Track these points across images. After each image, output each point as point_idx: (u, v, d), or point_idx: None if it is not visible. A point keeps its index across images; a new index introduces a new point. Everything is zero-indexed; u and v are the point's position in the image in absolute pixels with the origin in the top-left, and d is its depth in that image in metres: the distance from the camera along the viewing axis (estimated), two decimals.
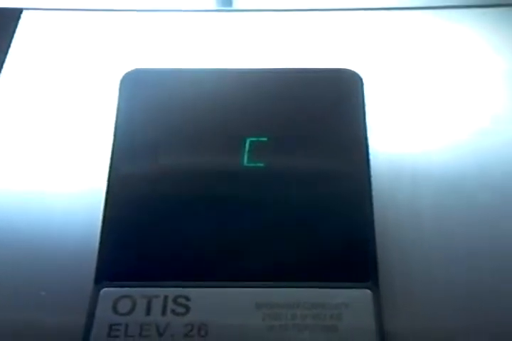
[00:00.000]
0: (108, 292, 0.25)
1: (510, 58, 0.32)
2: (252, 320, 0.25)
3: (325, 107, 0.30)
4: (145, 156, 0.29)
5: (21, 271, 0.26)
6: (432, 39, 0.33)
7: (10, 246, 0.27)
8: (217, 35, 0.33)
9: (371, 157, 0.29)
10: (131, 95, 0.31)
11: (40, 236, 0.27)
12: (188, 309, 0.25)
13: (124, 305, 0.25)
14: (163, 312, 0.25)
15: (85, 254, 0.26)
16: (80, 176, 0.29)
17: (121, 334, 0.24)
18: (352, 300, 0.25)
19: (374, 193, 0.28)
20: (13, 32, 0.33)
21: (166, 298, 0.25)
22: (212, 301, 0.25)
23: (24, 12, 0.34)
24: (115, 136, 0.30)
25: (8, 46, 0.33)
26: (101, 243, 0.26)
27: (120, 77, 0.31)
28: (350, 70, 0.32)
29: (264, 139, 0.29)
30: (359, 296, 0.25)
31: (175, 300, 0.25)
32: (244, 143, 0.29)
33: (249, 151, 0.29)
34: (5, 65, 0.32)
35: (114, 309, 0.25)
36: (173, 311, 0.25)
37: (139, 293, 0.25)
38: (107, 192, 0.28)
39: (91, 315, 0.25)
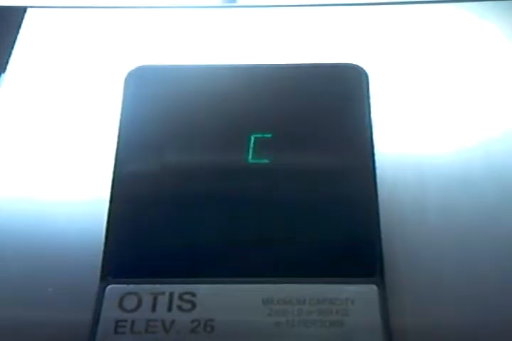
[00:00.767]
0: (114, 289, 0.25)
1: None
2: (259, 316, 0.25)
3: (330, 103, 0.30)
4: (150, 153, 0.29)
5: (29, 267, 0.26)
6: (439, 34, 0.33)
7: (17, 244, 0.27)
8: (222, 32, 0.33)
9: (376, 153, 0.29)
10: (136, 92, 0.31)
11: (46, 233, 0.27)
12: (194, 305, 0.25)
13: (130, 302, 0.25)
14: (169, 309, 0.25)
15: (91, 251, 0.26)
16: (84, 174, 0.29)
17: (127, 330, 0.24)
18: (358, 296, 0.25)
19: (379, 189, 0.27)
20: (18, 30, 0.33)
21: (171, 294, 0.25)
22: (219, 297, 0.25)
23: (28, 10, 0.34)
24: (120, 133, 0.30)
25: (13, 44, 0.33)
26: (106, 240, 0.26)
27: (125, 74, 0.31)
28: (356, 65, 0.31)
29: (269, 135, 0.29)
30: (365, 292, 0.25)
31: (181, 297, 0.25)
32: (249, 140, 0.29)
33: (254, 148, 0.29)
34: (10, 63, 0.32)
35: (120, 306, 0.25)
36: (179, 307, 0.25)
37: (144, 289, 0.25)
38: (112, 190, 0.28)
39: (97, 311, 0.25)
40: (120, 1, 0.35)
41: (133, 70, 0.32)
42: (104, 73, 0.32)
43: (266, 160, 0.28)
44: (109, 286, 0.25)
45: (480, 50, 0.32)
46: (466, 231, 0.27)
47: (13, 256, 0.26)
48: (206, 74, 0.32)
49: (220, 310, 0.25)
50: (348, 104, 0.30)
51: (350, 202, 0.27)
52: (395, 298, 0.25)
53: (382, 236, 0.26)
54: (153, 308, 0.25)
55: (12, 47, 0.32)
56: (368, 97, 0.30)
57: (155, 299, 0.25)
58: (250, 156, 0.29)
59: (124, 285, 0.25)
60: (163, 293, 0.25)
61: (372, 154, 0.29)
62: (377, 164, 0.28)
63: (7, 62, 0.32)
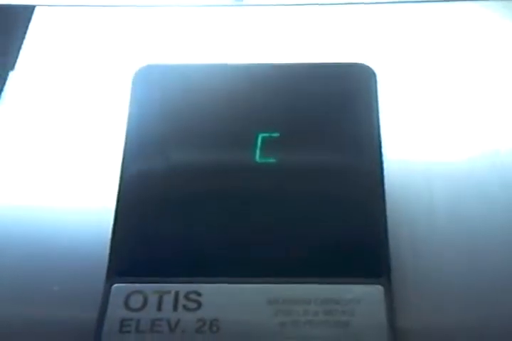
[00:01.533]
0: (119, 288, 0.25)
1: None
2: (264, 316, 0.25)
3: (338, 102, 0.30)
4: (157, 152, 0.29)
5: (35, 267, 0.26)
6: (448, 33, 0.33)
7: (23, 243, 0.27)
8: (230, 30, 0.33)
9: (384, 152, 0.29)
10: (143, 91, 0.31)
11: (53, 232, 0.27)
12: (199, 305, 0.25)
13: (135, 301, 0.25)
14: (175, 308, 0.25)
15: (97, 250, 0.26)
16: (92, 174, 0.29)
17: (132, 329, 0.24)
18: (364, 296, 0.25)
19: (386, 189, 0.27)
20: (26, 29, 0.33)
21: (177, 293, 0.25)
22: (224, 297, 0.25)
23: (37, 9, 0.34)
24: (128, 131, 0.30)
25: (22, 43, 0.33)
26: (112, 239, 0.26)
27: (132, 73, 0.31)
28: (364, 65, 0.31)
29: (277, 135, 0.29)
30: (371, 292, 0.25)
31: (186, 296, 0.25)
32: (257, 139, 0.29)
33: (261, 147, 0.29)
34: (18, 62, 0.32)
35: (126, 305, 0.25)
36: (184, 307, 0.25)
37: (150, 288, 0.25)
38: (120, 189, 0.28)
39: (103, 310, 0.25)
40: (128, 1, 0.35)
41: (140, 69, 0.32)
42: (111, 72, 0.32)
43: (273, 160, 0.28)
44: (115, 285, 0.25)
45: (491, 50, 0.32)
46: (473, 232, 0.26)
47: (19, 255, 0.26)
48: (214, 73, 0.32)
49: (226, 309, 0.25)
50: (355, 103, 0.30)
51: (358, 202, 0.27)
52: (401, 299, 0.25)
53: (389, 236, 0.26)
54: (159, 307, 0.25)
55: (20, 46, 0.32)
56: (376, 97, 0.30)
57: (160, 298, 0.25)
58: (258, 155, 0.29)
59: (130, 285, 0.25)
60: (168, 292, 0.25)
61: (380, 154, 0.29)
62: (385, 164, 0.28)
63: (15, 61, 0.32)
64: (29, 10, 0.34)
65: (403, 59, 0.32)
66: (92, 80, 0.32)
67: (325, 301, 0.25)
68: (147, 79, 0.31)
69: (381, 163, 0.28)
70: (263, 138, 0.29)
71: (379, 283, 0.25)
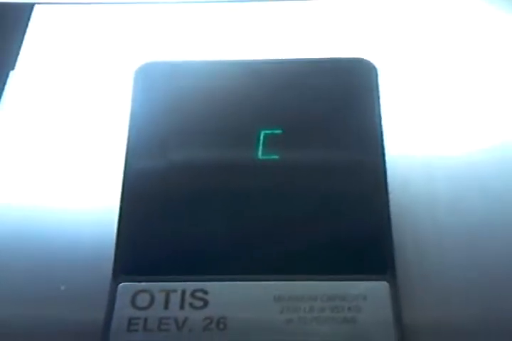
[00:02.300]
0: (126, 286, 0.25)
1: None
2: (271, 313, 0.25)
3: (339, 97, 0.30)
4: (160, 150, 0.29)
5: (41, 266, 0.26)
6: (449, 27, 0.33)
7: (30, 242, 0.27)
8: (230, 26, 0.33)
9: (386, 148, 0.29)
10: (144, 88, 0.31)
11: (59, 231, 0.27)
12: (206, 303, 0.25)
13: (142, 300, 0.25)
14: (182, 306, 0.25)
15: (103, 249, 0.26)
16: (95, 172, 0.29)
17: (140, 328, 0.25)
18: (370, 293, 0.25)
19: (390, 185, 0.27)
20: (26, 27, 0.33)
21: (183, 291, 0.25)
22: (231, 295, 0.25)
23: (36, 7, 0.34)
24: (130, 129, 0.30)
25: (22, 41, 0.33)
26: (118, 238, 0.26)
27: (133, 71, 0.31)
28: (365, 60, 0.31)
29: (279, 131, 0.29)
30: (377, 288, 0.25)
31: (193, 294, 0.25)
32: (259, 136, 0.29)
33: (263, 144, 0.29)
34: (19, 61, 0.32)
35: (133, 303, 0.25)
36: (191, 305, 0.25)
37: (156, 287, 0.25)
38: (123, 187, 0.28)
39: (110, 309, 0.25)
40: None
41: (141, 66, 0.31)
42: (112, 69, 0.32)
43: (276, 157, 0.28)
44: (122, 284, 0.25)
45: (492, 45, 0.32)
46: (478, 228, 0.27)
47: (25, 254, 0.27)
48: (215, 70, 0.31)
49: (232, 307, 0.25)
50: (357, 98, 0.30)
51: (361, 199, 0.27)
52: (406, 295, 0.25)
53: (394, 232, 0.26)
54: (166, 306, 0.25)
55: (20, 45, 0.32)
56: (378, 92, 0.30)
57: (167, 296, 0.25)
58: (260, 152, 0.29)
59: (136, 283, 0.25)
60: (175, 291, 0.25)
61: (383, 149, 0.29)
62: (388, 160, 0.28)
63: (16, 60, 0.32)
64: (28, 8, 0.34)
65: (404, 53, 0.32)
66: (94, 78, 0.31)
67: (331, 298, 0.25)
68: (148, 77, 0.31)
69: (383, 158, 0.28)
70: (265, 135, 0.29)
71: (384, 279, 0.25)
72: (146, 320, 0.25)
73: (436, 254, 0.26)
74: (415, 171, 0.28)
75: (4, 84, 0.31)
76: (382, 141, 0.29)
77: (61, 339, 0.25)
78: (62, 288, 0.26)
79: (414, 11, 0.33)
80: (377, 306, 0.25)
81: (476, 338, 0.24)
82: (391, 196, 0.27)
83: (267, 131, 0.29)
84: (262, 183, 0.28)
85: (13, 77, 0.31)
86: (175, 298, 0.25)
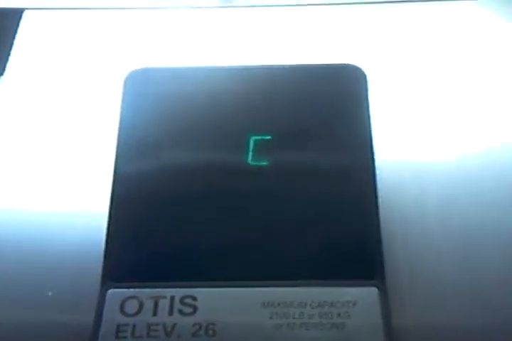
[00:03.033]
0: (115, 293, 0.25)
1: None
2: (260, 319, 0.25)
3: (329, 104, 0.30)
4: (149, 156, 0.29)
5: (29, 272, 0.26)
6: (439, 33, 0.33)
7: (17, 248, 0.27)
8: (220, 32, 0.33)
9: (376, 154, 0.29)
10: (135, 94, 0.31)
11: (47, 237, 0.27)
12: (195, 309, 0.25)
13: (131, 306, 0.25)
14: (171, 313, 0.25)
15: (92, 255, 0.26)
16: (84, 178, 0.29)
17: (128, 335, 0.24)
18: (359, 299, 0.25)
19: (379, 190, 0.27)
20: (15, 32, 0.33)
21: (172, 298, 0.25)
22: (220, 301, 0.25)
23: (26, 12, 0.34)
24: (119, 135, 0.30)
25: (11, 46, 0.32)
26: (107, 244, 0.26)
27: (123, 77, 0.31)
28: (354, 66, 0.31)
29: (269, 137, 0.29)
30: (366, 294, 0.25)
31: (182, 301, 0.25)
32: (249, 142, 0.29)
33: (253, 150, 0.29)
34: (8, 66, 0.32)
35: (122, 310, 0.25)
36: (180, 311, 0.25)
37: (145, 293, 0.25)
38: (113, 193, 0.28)
39: (98, 316, 0.25)
40: (118, 3, 0.35)
41: (132, 72, 0.31)
42: (102, 75, 0.32)
43: (266, 163, 0.28)
44: (110, 290, 0.25)
45: (481, 50, 0.32)
46: (468, 232, 0.27)
47: (14, 260, 0.26)
48: (205, 76, 0.32)
49: (221, 313, 0.25)
50: (346, 104, 0.30)
51: (351, 204, 0.27)
52: (396, 301, 0.25)
53: (383, 237, 0.26)
54: (155, 312, 0.25)
55: (10, 50, 0.32)
56: (367, 98, 0.30)
57: (156, 303, 0.25)
58: (250, 158, 0.29)
59: (125, 290, 0.25)
60: (164, 297, 0.25)
61: (372, 155, 0.29)
62: (377, 165, 0.28)
63: (5, 66, 0.32)
64: (18, 13, 0.34)
65: (394, 60, 0.32)
66: (84, 84, 0.31)
67: (320, 304, 0.25)
68: (139, 83, 0.31)
69: (373, 163, 0.28)
70: (255, 141, 0.29)
71: (374, 285, 0.25)
72: (134, 326, 0.25)
73: (426, 259, 0.26)
74: (405, 176, 0.28)
75: None
76: (371, 146, 0.29)
77: None
78: (49, 294, 0.25)
79: (403, 18, 0.34)
80: (367, 312, 0.25)
81: None
82: (381, 201, 0.27)
83: (257, 137, 0.29)
84: (251, 189, 0.28)
85: (2, 83, 0.31)
86: (164, 305, 0.25)
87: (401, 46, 0.33)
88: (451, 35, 0.33)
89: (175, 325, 0.25)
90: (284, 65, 0.32)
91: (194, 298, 0.25)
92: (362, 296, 0.25)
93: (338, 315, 0.25)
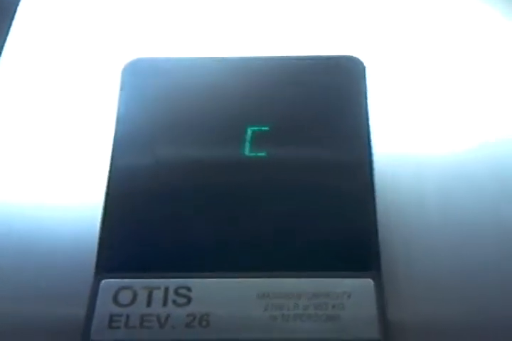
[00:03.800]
0: (108, 283, 0.25)
1: None
2: (254, 310, 0.25)
3: (327, 95, 0.30)
4: (145, 147, 0.29)
5: (22, 262, 0.26)
6: (438, 25, 0.33)
7: (10, 239, 0.27)
8: (218, 22, 0.33)
9: (374, 146, 0.28)
10: (133, 84, 0.31)
11: (40, 227, 0.27)
12: (189, 300, 0.25)
13: (124, 297, 0.25)
14: (165, 303, 0.25)
15: (86, 245, 0.26)
16: (79, 169, 0.28)
17: (121, 325, 0.24)
18: (354, 290, 0.25)
19: (376, 182, 0.27)
20: (12, 19, 0.33)
21: (167, 288, 0.25)
22: (214, 292, 0.25)
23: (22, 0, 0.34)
24: (117, 126, 0.29)
25: (7, 34, 0.32)
26: (101, 234, 0.26)
27: (121, 67, 0.31)
28: (353, 57, 0.31)
29: (266, 128, 0.29)
30: (361, 286, 0.25)
31: (176, 291, 0.25)
32: (246, 133, 0.29)
33: (251, 141, 0.28)
34: (3, 53, 0.32)
35: (115, 300, 0.25)
36: (174, 302, 0.25)
37: (139, 284, 0.25)
38: (108, 184, 0.27)
39: (91, 306, 0.25)
40: None
41: (130, 62, 0.31)
42: (100, 65, 0.32)
43: (263, 154, 0.28)
44: (104, 281, 0.25)
45: (482, 43, 0.32)
46: (464, 225, 0.26)
47: (6, 251, 0.26)
48: (203, 67, 0.31)
49: (216, 304, 0.25)
50: (345, 96, 0.30)
51: (347, 196, 0.27)
52: (391, 292, 0.25)
53: (381, 230, 0.26)
54: (148, 303, 0.25)
55: (5, 38, 0.32)
56: (366, 89, 0.30)
57: (150, 293, 0.25)
58: (247, 150, 0.28)
59: (119, 280, 0.25)
60: (158, 288, 0.25)
61: (370, 147, 0.28)
62: (375, 158, 0.28)
63: (0, 53, 0.32)
64: (14, 0, 0.33)
65: (393, 51, 0.32)
66: (81, 73, 0.31)
67: (315, 295, 0.25)
68: (137, 73, 0.31)
69: (371, 156, 0.28)
70: (253, 132, 0.29)
71: (369, 277, 0.25)
72: (128, 316, 0.24)
73: (422, 251, 0.26)
74: (403, 169, 0.28)
75: None
76: (369, 138, 0.29)
77: (41, 336, 0.25)
78: (43, 284, 0.25)
79: (403, 9, 0.33)
80: (362, 303, 0.24)
81: (461, 335, 0.24)
82: (378, 193, 0.27)
83: (255, 128, 0.29)
84: (249, 180, 0.28)
85: None
86: (158, 295, 0.25)
87: (401, 38, 0.32)
88: (453, 28, 0.33)
89: (169, 315, 0.24)
90: (283, 56, 0.31)
91: (188, 289, 0.25)
92: (357, 288, 0.25)
93: (333, 306, 0.24)
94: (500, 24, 0.33)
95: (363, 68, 0.31)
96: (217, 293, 0.25)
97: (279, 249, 0.26)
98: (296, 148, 0.29)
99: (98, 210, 0.27)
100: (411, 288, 0.25)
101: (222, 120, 0.29)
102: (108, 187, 0.27)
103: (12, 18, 0.33)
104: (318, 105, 0.30)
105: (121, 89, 0.30)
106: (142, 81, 0.31)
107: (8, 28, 0.32)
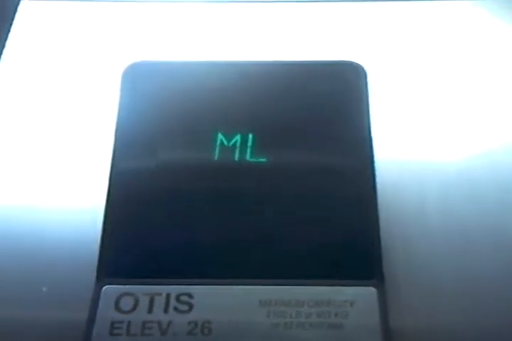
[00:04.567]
0: (110, 289, 0.25)
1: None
2: (256, 318, 0.24)
3: (328, 101, 0.30)
4: (146, 152, 0.28)
5: (24, 268, 0.26)
6: (439, 31, 0.33)
7: (12, 244, 0.26)
8: (219, 27, 0.33)
9: (375, 152, 0.28)
10: (133, 88, 0.31)
11: (42, 233, 0.27)
12: (191, 307, 0.25)
13: (126, 303, 0.25)
14: (166, 310, 0.25)
15: (88, 251, 0.26)
16: (80, 173, 0.28)
17: (123, 332, 0.24)
18: (357, 298, 0.25)
19: (378, 189, 0.27)
20: (11, 23, 0.32)
21: (168, 295, 0.25)
22: (216, 299, 0.25)
23: (22, 3, 0.33)
24: (117, 129, 0.29)
25: (6, 37, 0.32)
26: (103, 240, 0.26)
27: (121, 70, 0.31)
28: (354, 63, 0.31)
29: (267, 134, 0.29)
30: (364, 294, 0.25)
31: (178, 298, 0.25)
32: (247, 138, 0.29)
33: (252, 146, 0.28)
34: (3, 57, 0.31)
35: (117, 306, 0.25)
36: (175, 309, 0.25)
37: (141, 290, 0.25)
38: (109, 189, 0.27)
39: (93, 312, 0.24)
40: None
41: (130, 66, 0.31)
42: (100, 68, 0.31)
43: (264, 159, 0.28)
44: (106, 287, 0.25)
45: (481, 48, 0.32)
46: (466, 234, 0.26)
47: (8, 255, 0.26)
48: (203, 71, 0.31)
49: (218, 311, 0.25)
50: (346, 101, 0.30)
51: (350, 204, 0.27)
52: (394, 300, 0.25)
53: (383, 237, 0.26)
54: (150, 309, 0.25)
55: (5, 41, 0.32)
56: (367, 95, 0.30)
57: (151, 300, 0.25)
58: (248, 155, 0.28)
59: (121, 286, 0.25)
60: (159, 294, 0.25)
61: (371, 153, 0.28)
62: (377, 164, 0.28)
63: (0, 57, 0.31)
64: (14, 4, 0.33)
65: (394, 57, 0.32)
66: (82, 77, 0.31)
67: (318, 303, 0.25)
68: (137, 76, 0.31)
69: (372, 162, 0.28)
70: (254, 137, 0.29)
71: (372, 285, 0.25)
72: (129, 323, 0.24)
73: (424, 260, 0.26)
74: (405, 176, 0.28)
75: None
76: (371, 144, 0.29)
77: None
78: (44, 289, 0.25)
79: (402, 15, 0.33)
80: (364, 312, 0.24)
81: None
82: (380, 200, 0.27)
83: (256, 133, 0.29)
84: (250, 186, 0.28)
85: None
86: (159, 302, 0.25)
87: (401, 43, 0.32)
88: (453, 33, 0.33)
89: (170, 322, 0.24)
90: (283, 61, 0.31)
91: (190, 296, 0.25)
92: (360, 296, 0.25)
93: (336, 314, 0.24)
94: (500, 30, 0.33)
95: (365, 74, 0.31)
96: (219, 300, 0.25)
97: (281, 257, 0.26)
98: (297, 154, 0.29)
99: (100, 215, 0.26)
100: (413, 297, 0.25)
101: (223, 125, 0.29)
102: (109, 193, 0.27)
103: (11, 22, 0.32)
104: (319, 111, 0.30)
105: (121, 92, 0.30)
106: (142, 84, 0.31)
107: (8, 32, 0.32)
